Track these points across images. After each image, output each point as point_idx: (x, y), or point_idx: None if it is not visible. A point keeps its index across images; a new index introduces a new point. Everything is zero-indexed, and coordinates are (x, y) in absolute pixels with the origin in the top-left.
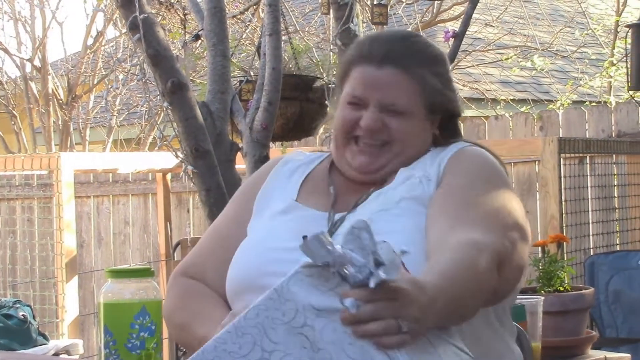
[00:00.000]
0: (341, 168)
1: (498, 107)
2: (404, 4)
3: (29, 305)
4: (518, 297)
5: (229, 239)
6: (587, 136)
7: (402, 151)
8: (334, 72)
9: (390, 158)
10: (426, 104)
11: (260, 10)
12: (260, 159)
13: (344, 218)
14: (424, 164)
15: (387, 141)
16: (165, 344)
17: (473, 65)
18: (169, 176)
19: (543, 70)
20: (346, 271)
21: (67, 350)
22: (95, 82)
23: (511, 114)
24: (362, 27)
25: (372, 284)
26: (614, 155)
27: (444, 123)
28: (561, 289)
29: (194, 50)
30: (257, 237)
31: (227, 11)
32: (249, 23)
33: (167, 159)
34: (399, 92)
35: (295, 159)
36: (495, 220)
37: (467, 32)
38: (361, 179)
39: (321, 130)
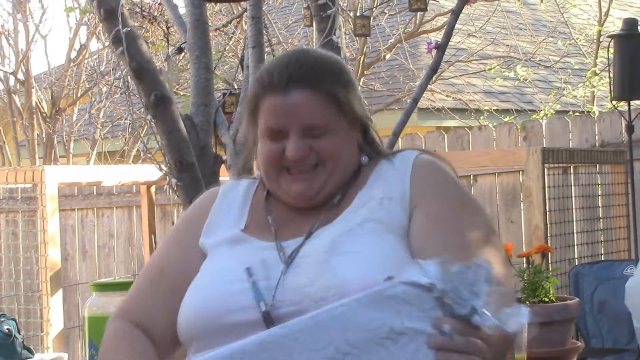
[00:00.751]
0: (280, 197)
1: (481, 117)
2: (387, 15)
3: (13, 319)
4: None
5: (176, 280)
6: (570, 146)
7: (335, 168)
8: None
9: (326, 178)
10: (340, 114)
11: (243, 22)
12: (243, 171)
13: (301, 245)
14: (380, 182)
15: (318, 162)
16: None
17: (456, 76)
18: (153, 189)
19: (526, 80)
20: (449, 300)
21: None
22: (78, 95)
23: (495, 124)
24: (345, 39)
25: (475, 321)
26: (597, 165)
27: (363, 130)
28: (546, 299)
29: (177, 63)
30: (210, 275)
31: (210, 24)
32: (232, 35)
33: (151, 172)
34: (312, 112)
35: (234, 189)
36: (496, 259)
37: (450, 43)
38: (302, 205)
39: None
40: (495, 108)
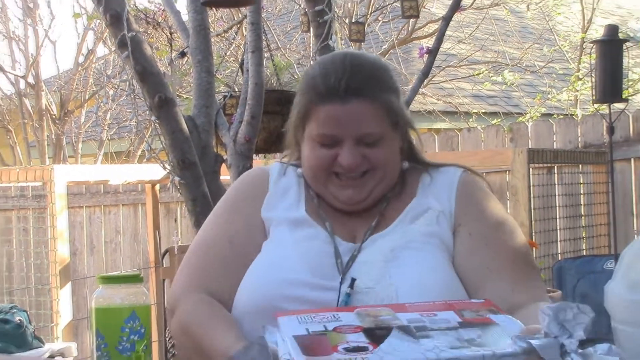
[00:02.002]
0: (326, 199)
1: (470, 119)
2: (381, 22)
3: (25, 311)
4: None
5: (244, 251)
6: (555, 147)
7: (385, 175)
8: None
9: (375, 184)
10: (391, 122)
11: (243, 28)
12: (244, 170)
13: (358, 252)
14: (432, 195)
15: (368, 170)
16: (155, 346)
17: (447, 80)
18: (157, 187)
19: (513, 84)
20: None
21: (61, 353)
22: (86, 97)
23: (483, 126)
24: (341, 44)
25: None
26: (580, 165)
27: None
28: None
29: (180, 67)
30: (270, 262)
31: (211, 29)
32: (232, 40)
33: (155, 171)
34: (369, 122)
35: (283, 172)
36: (538, 281)
37: (441, 49)
38: (349, 209)
39: None
40: (483, 111)
